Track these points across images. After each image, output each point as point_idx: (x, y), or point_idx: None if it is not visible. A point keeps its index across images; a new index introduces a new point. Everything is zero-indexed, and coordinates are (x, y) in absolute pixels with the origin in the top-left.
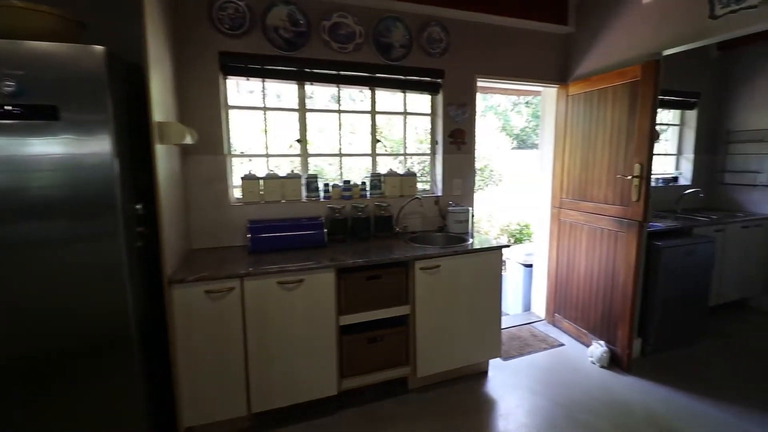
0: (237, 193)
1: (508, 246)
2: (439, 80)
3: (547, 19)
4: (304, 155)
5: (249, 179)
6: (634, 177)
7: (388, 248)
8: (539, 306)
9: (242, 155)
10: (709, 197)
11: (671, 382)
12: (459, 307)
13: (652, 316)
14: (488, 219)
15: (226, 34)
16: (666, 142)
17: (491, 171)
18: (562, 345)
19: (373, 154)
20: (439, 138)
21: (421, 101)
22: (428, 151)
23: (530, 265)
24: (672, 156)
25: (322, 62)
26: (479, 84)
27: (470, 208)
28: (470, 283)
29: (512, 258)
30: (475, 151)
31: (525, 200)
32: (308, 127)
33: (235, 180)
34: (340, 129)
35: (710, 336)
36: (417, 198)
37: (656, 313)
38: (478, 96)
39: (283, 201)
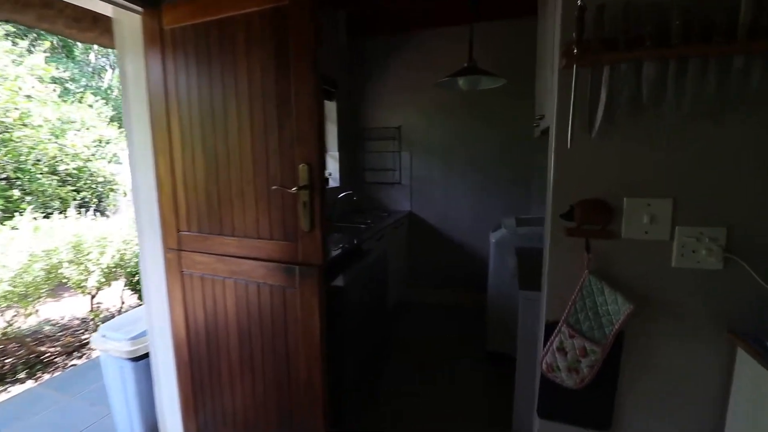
0: None
1: None
2: None
3: None
4: None
5: None
6: (300, 189)
7: None
8: (173, 425)
9: None
10: (358, 198)
11: None
12: None
13: (342, 381)
14: (82, 259)
15: None
16: None
17: (93, 176)
18: None
19: None
20: None
21: None
22: None
23: (144, 357)
24: None
25: None
26: None
27: None
28: None
29: (109, 347)
30: None
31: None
32: None
33: None
34: None
35: (393, 350)
36: None
37: (347, 374)
38: None
39: None
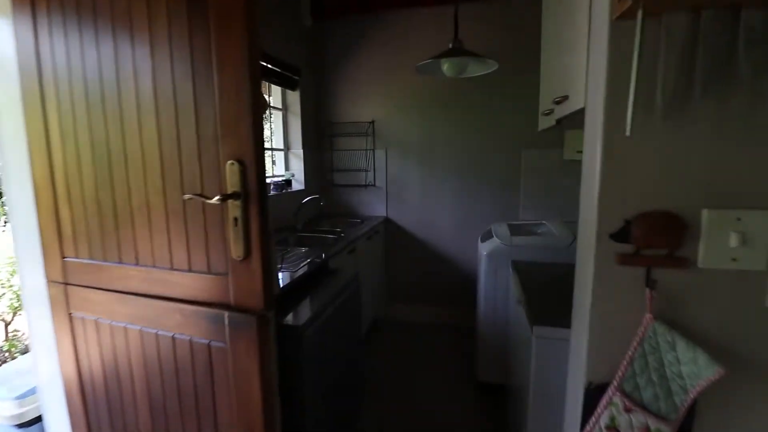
0: None
1: None
2: None
3: None
4: None
5: None
6: (226, 198)
7: None
8: None
9: None
10: (326, 202)
11: None
12: None
13: None
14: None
15: None
16: (270, 132)
17: None
18: None
19: None
20: None
21: None
22: None
23: (37, 421)
24: (280, 152)
25: None
26: None
27: None
28: None
29: None
30: None
31: None
32: None
33: None
34: None
35: (369, 388)
36: None
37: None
38: None
39: None
